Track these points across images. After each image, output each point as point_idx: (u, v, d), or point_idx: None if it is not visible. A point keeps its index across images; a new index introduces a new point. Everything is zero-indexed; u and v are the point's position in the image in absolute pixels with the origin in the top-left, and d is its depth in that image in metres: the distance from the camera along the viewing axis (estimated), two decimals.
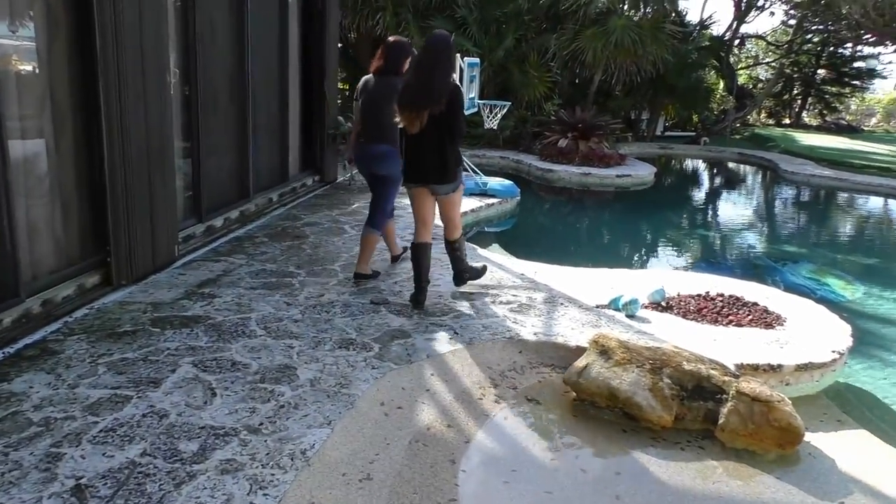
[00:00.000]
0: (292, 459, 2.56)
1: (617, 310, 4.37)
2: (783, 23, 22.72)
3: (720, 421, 3.06)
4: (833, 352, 3.83)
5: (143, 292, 4.24)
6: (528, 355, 3.77)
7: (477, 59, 8.86)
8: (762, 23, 77.20)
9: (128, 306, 3.99)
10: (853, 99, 27.65)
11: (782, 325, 4.23)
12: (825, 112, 26.42)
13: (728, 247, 8.73)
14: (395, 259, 5.19)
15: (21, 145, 3.67)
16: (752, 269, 7.19)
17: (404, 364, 3.45)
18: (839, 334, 4.11)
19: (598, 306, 4.45)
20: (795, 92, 26.15)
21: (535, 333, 3.95)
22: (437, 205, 4.32)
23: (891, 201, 12.09)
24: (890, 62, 32.98)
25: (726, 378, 3.18)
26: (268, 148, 7.04)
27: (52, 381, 3.03)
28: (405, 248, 5.15)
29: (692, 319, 4.28)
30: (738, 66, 23.69)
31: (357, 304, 4.25)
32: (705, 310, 4.41)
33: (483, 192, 8.26)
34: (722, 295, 4.70)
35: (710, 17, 31.24)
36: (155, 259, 4.58)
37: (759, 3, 19.43)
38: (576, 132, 12.59)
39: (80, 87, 3.96)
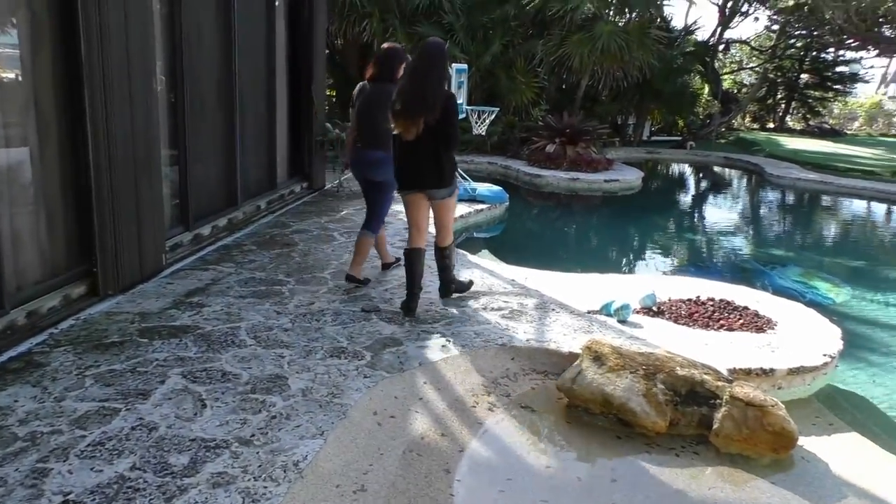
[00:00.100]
0: (285, 471, 2.52)
1: (609, 315, 4.36)
2: (767, 28, 23.04)
3: (714, 426, 3.06)
4: (824, 355, 3.84)
5: (130, 302, 4.18)
6: (520, 362, 3.75)
7: (465, 65, 8.86)
8: (746, 28, 78.19)
9: (115, 317, 3.93)
10: (836, 103, 27.96)
11: (773, 328, 4.24)
12: (808, 116, 26.71)
13: (717, 251, 8.78)
14: (387, 267, 5.17)
15: (5, 153, 3.62)
16: (741, 272, 7.23)
17: (396, 372, 3.42)
18: (829, 337, 4.13)
19: (589, 312, 4.44)
20: (779, 96, 26.41)
21: (527, 340, 3.94)
22: (431, 210, 4.31)
23: (874, 204, 12.23)
24: (872, 66, 33.57)
25: (720, 383, 3.18)
26: (255, 154, 6.99)
27: (38, 395, 2.97)
28: (397, 259, 5.14)
29: (684, 324, 4.29)
30: (723, 71, 23.89)
31: (348, 312, 4.22)
32: (696, 314, 4.42)
33: (472, 198, 8.24)
34: (712, 299, 4.71)
35: (695, 22, 31.70)
36: (142, 268, 4.52)
37: (744, 9, 19.67)
38: (563, 137, 12.65)
39: (64, 93, 3.91)
